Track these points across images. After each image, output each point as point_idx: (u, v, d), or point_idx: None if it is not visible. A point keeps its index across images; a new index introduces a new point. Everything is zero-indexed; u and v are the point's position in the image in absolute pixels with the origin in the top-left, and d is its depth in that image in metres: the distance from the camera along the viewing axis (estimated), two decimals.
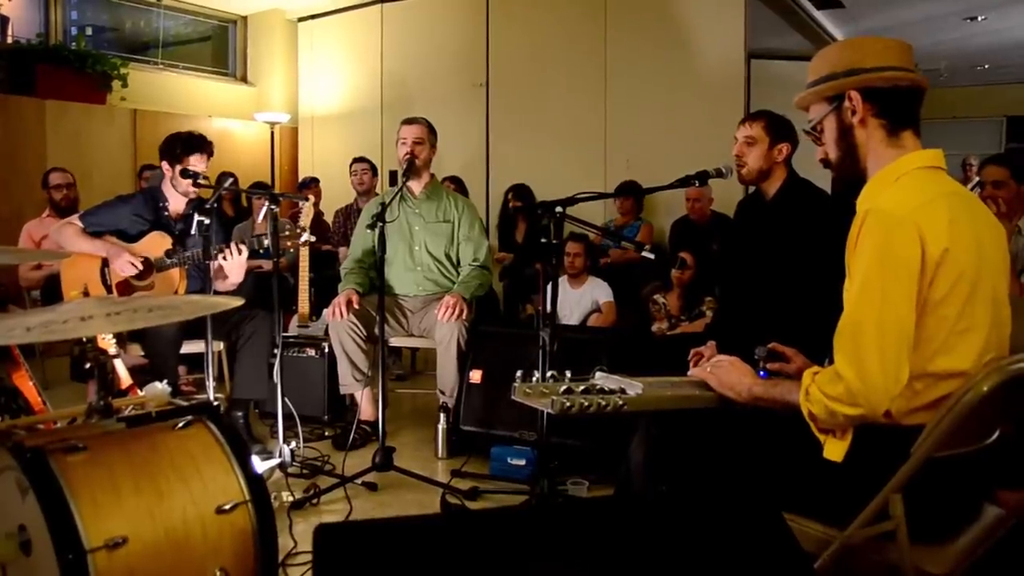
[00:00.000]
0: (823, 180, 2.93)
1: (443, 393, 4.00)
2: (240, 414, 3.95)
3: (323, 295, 5.71)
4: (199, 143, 3.95)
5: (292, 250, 3.93)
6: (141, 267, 3.84)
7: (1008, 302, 1.86)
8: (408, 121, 4.18)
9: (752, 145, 3.12)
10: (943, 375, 1.75)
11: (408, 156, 4.07)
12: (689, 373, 2.23)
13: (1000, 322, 1.82)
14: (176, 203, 4.06)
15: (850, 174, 1.94)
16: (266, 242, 3.71)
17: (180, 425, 1.98)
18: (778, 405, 1.89)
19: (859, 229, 1.76)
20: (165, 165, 4.01)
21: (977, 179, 6.06)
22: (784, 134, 3.14)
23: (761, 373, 2.08)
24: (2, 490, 1.84)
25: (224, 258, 3.76)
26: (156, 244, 3.93)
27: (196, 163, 3.91)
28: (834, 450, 1.78)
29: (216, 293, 3.87)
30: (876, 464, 1.73)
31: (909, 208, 1.72)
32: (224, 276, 3.87)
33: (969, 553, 1.80)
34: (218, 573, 1.84)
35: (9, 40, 7.65)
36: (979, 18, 9.09)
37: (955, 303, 1.72)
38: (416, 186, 4.27)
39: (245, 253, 3.80)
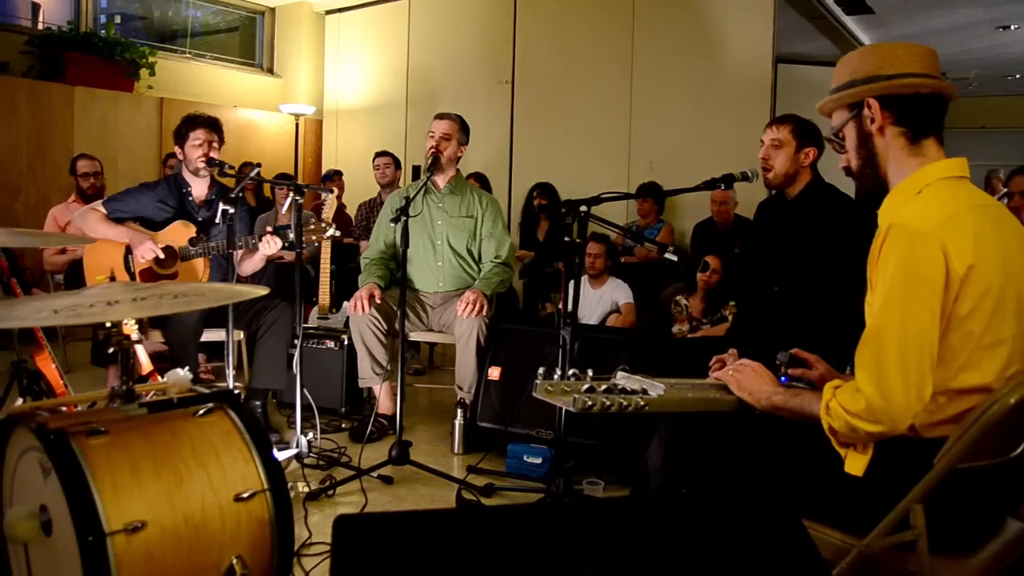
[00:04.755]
0: (849, 187, 2.91)
1: (461, 388, 4.00)
2: (258, 403, 3.97)
3: (343, 287, 5.73)
4: (199, 118, 4.01)
5: (316, 243, 3.96)
6: (162, 254, 3.87)
7: None
8: (440, 116, 4.19)
9: (779, 148, 3.12)
10: (967, 390, 1.73)
11: (433, 151, 4.07)
12: (711, 376, 2.22)
13: None
14: (199, 189, 4.09)
15: (871, 183, 1.92)
16: (291, 236, 3.75)
17: (201, 412, 1.99)
18: (797, 416, 1.88)
19: (881, 243, 1.74)
20: (177, 149, 4.08)
21: (1004, 190, 5.99)
22: (811, 138, 3.12)
23: (782, 379, 2.06)
24: (25, 470, 1.86)
25: (260, 247, 3.84)
26: (180, 233, 3.96)
27: (198, 137, 3.95)
28: (855, 464, 1.76)
29: (238, 279, 3.91)
30: (898, 474, 1.72)
31: (933, 223, 1.69)
32: (251, 256, 3.95)
33: (990, 567, 1.78)
34: (235, 560, 1.84)
35: (40, 27, 7.73)
36: (1012, 27, 8.97)
37: (981, 318, 1.69)
38: (440, 180, 4.26)
39: (280, 244, 3.85)
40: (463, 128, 4.19)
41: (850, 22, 8.83)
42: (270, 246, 3.83)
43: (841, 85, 1.93)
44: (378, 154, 6.74)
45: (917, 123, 1.85)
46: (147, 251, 3.85)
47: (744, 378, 2.03)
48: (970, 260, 1.67)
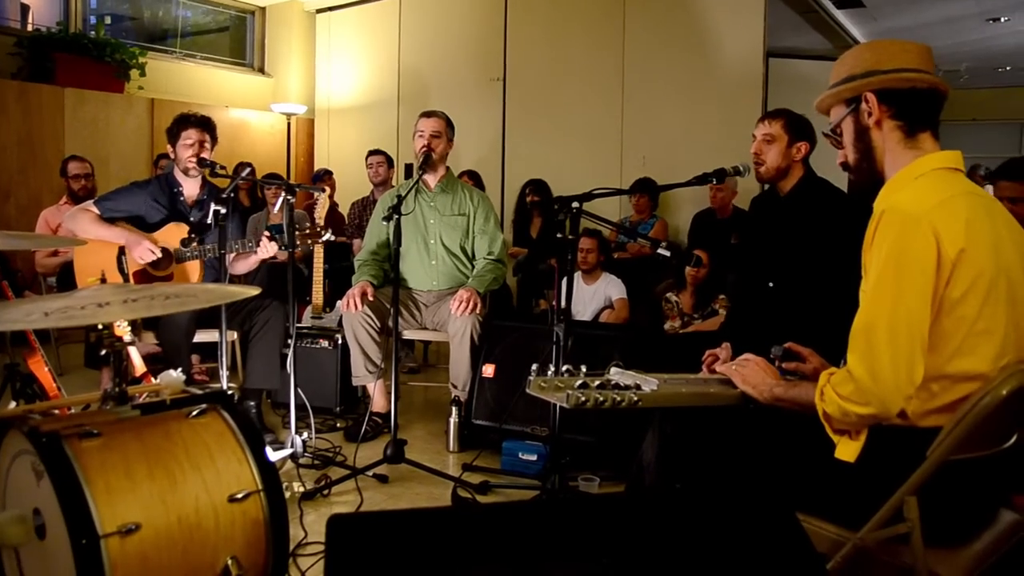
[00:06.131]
0: (841, 182, 2.91)
1: (455, 387, 3.99)
2: (252, 404, 3.96)
3: (337, 286, 5.71)
4: (191, 117, 3.99)
5: (311, 247, 3.94)
6: (160, 254, 3.86)
7: None
8: (426, 114, 4.18)
9: (771, 143, 3.12)
10: (960, 377, 1.74)
11: (424, 149, 4.07)
12: (716, 368, 2.22)
13: (1019, 323, 1.79)
14: (190, 189, 4.07)
15: (867, 176, 1.94)
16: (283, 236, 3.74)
17: (194, 413, 1.98)
18: (797, 405, 1.89)
19: (875, 228, 1.75)
20: (170, 148, 4.06)
21: (988, 187, 5.98)
22: (803, 133, 3.12)
23: None
24: (18, 474, 1.85)
25: (257, 251, 3.83)
26: (174, 235, 3.93)
27: (190, 137, 3.93)
28: (847, 450, 1.77)
29: (231, 279, 3.90)
30: (891, 466, 1.72)
31: (925, 208, 1.71)
32: (246, 256, 3.93)
33: (984, 558, 1.79)
34: (229, 562, 1.84)
35: (29, 28, 7.70)
36: (1002, 19, 8.98)
37: (973, 303, 1.70)
38: (431, 179, 4.26)
39: (277, 247, 3.83)
40: (450, 125, 4.20)
41: (841, 16, 8.83)
42: (268, 250, 3.82)
43: (839, 81, 1.95)
44: (371, 152, 6.72)
45: (914, 117, 1.87)
46: (145, 252, 3.82)
47: (748, 372, 2.05)
48: (962, 244, 1.68)
